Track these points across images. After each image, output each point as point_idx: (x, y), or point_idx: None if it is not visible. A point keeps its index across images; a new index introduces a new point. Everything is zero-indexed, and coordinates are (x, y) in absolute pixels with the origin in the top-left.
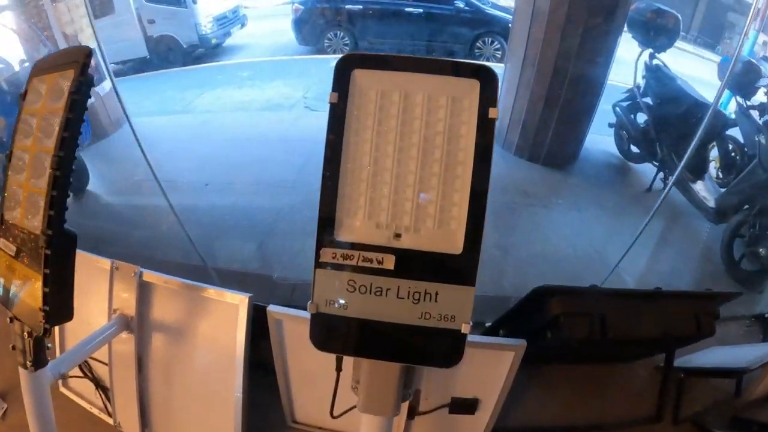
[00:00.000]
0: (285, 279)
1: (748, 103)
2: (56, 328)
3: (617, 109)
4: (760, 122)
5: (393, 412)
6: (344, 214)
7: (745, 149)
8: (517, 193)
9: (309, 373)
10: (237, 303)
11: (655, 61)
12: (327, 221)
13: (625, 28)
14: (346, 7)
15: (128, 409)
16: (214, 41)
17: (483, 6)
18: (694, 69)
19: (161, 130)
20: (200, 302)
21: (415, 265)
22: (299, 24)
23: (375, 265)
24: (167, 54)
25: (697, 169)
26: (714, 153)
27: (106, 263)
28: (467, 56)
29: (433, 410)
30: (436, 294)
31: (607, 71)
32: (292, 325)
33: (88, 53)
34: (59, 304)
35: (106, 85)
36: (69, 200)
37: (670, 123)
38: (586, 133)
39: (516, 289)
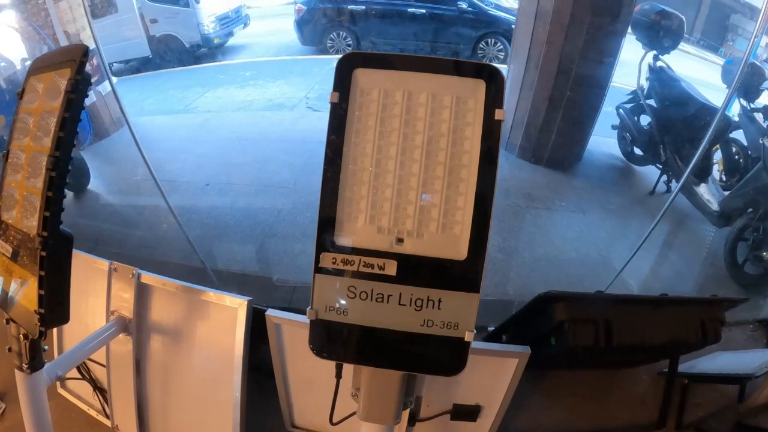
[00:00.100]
0: (285, 281)
1: (752, 105)
2: (54, 330)
3: (621, 111)
4: (764, 125)
5: (393, 420)
6: (345, 218)
7: (749, 152)
8: (520, 196)
9: (308, 377)
10: (236, 306)
11: (658, 63)
12: (327, 225)
13: (629, 30)
14: (349, 7)
15: (126, 412)
16: (216, 41)
17: (486, 7)
18: (697, 71)
19: (163, 129)
20: (199, 305)
21: (418, 271)
22: (302, 24)
23: (376, 270)
24: (169, 53)
25: (701, 172)
26: (717, 155)
27: (104, 264)
28: (470, 57)
29: (435, 417)
30: (439, 301)
31: (611, 73)
32: (291, 330)
33: (85, 52)
34: (55, 307)
35: (107, 85)
36: (69, 199)
37: (673, 125)
38: (590, 135)
39: (519, 294)
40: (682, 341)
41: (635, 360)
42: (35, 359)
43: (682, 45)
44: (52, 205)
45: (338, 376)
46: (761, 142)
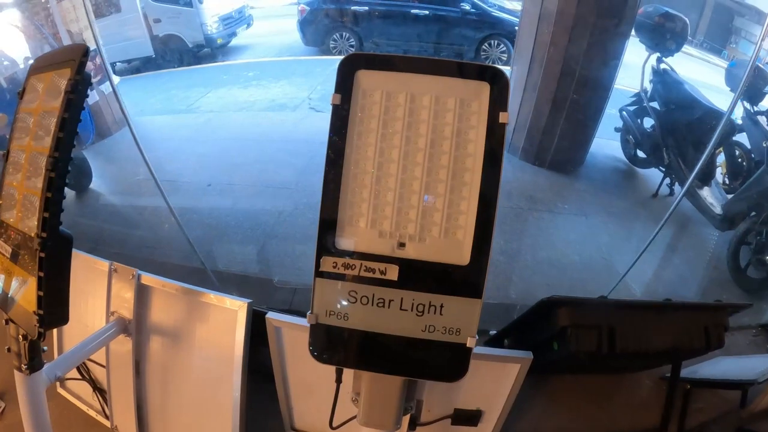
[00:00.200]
0: (286, 283)
1: (756, 108)
2: (54, 330)
3: (624, 113)
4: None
5: (394, 425)
6: (346, 222)
7: (752, 155)
8: (522, 198)
9: (308, 381)
10: (236, 308)
11: (662, 66)
12: (328, 228)
13: (633, 32)
14: (352, 8)
15: (125, 412)
16: (219, 41)
17: (489, 8)
18: (701, 74)
19: (165, 129)
20: (199, 307)
21: (420, 276)
22: (305, 25)
23: (378, 275)
24: (172, 53)
25: (704, 175)
26: (720, 158)
27: (104, 265)
28: (473, 59)
29: (436, 421)
30: (441, 306)
31: (615, 75)
32: (291, 333)
33: (85, 52)
34: (54, 308)
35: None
36: (71, 199)
37: (677, 128)
38: (593, 138)
39: (521, 297)
40: (686, 347)
41: (638, 365)
42: (34, 360)
43: (686, 47)
44: (51, 205)
45: (338, 380)
46: (765, 145)
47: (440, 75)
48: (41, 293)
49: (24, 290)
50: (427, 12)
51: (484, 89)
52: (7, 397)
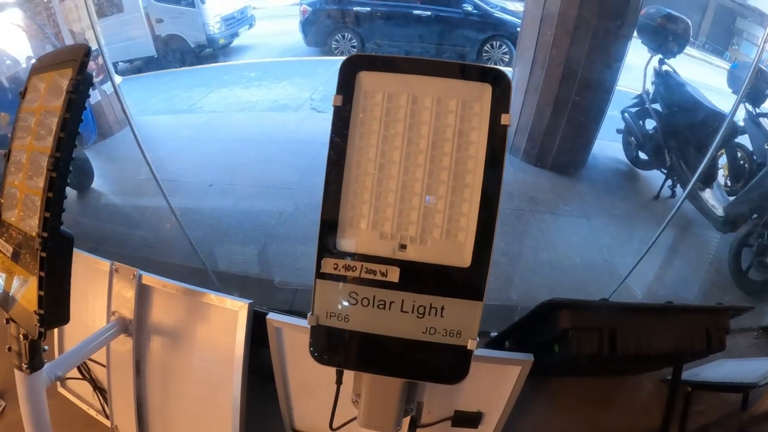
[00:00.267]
0: (287, 284)
1: (758, 110)
2: (55, 329)
3: (626, 115)
4: None
5: (394, 427)
6: (347, 223)
7: (754, 157)
8: (524, 200)
9: (309, 381)
10: (237, 309)
11: (664, 67)
12: (329, 230)
13: (635, 34)
14: (354, 9)
15: (126, 412)
16: (221, 41)
17: (491, 9)
18: (703, 75)
19: (166, 129)
20: (200, 307)
21: (421, 278)
22: (307, 25)
23: (379, 277)
24: (175, 53)
25: (706, 177)
26: (722, 160)
27: (105, 265)
28: (475, 60)
29: (436, 423)
30: (442, 308)
31: (617, 76)
32: (291, 334)
33: (87, 52)
34: (55, 308)
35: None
36: (72, 198)
37: (679, 130)
38: (595, 139)
39: (522, 299)
40: (687, 350)
41: (639, 368)
42: (35, 359)
43: (688, 49)
44: (52, 205)
45: (339, 382)
46: (767, 147)
47: (442, 76)
48: (42, 293)
49: (25, 290)
50: (429, 13)
51: (486, 91)
52: (8, 396)
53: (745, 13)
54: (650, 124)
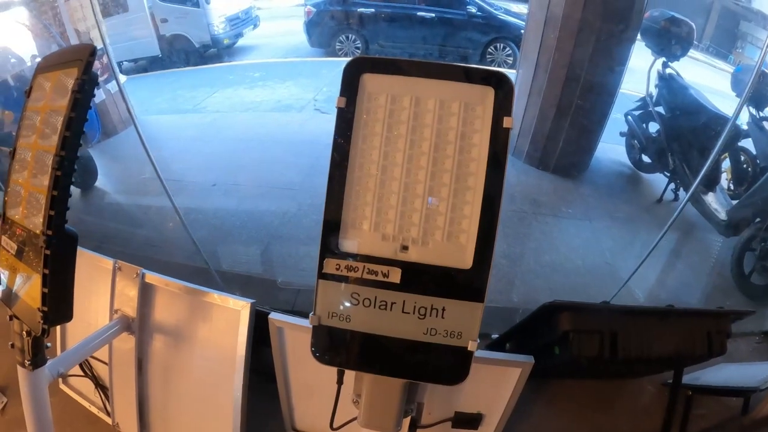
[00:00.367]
0: (289, 284)
1: (762, 114)
2: (57, 327)
3: (629, 118)
4: None
5: (394, 427)
6: (349, 224)
7: (758, 161)
8: (526, 202)
9: (310, 381)
10: (239, 308)
11: (668, 70)
12: (331, 230)
13: (639, 36)
14: (358, 10)
15: (127, 410)
16: (226, 41)
17: (495, 12)
18: (706, 78)
19: (170, 128)
20: (202, 306)
21: (422, 279)
22: (311, 26)
23: (380, 278)
24: (179, 53)
25: (709, 181)
26: (726, 164)
27: (108, 263)
28: (479, 62)
29: (436, 424)
30: (443, 310)
31: (620, 79)
32: (293, 334)
33: (92, 51)
34: (58, 305)
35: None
36: (76, 196)
37: (682, 133)
38: (598, 142)
39: (524, 301)
40: (688, 353)
41: (640, 371)
42: (38, 356)
43: (692, 52)
44: (57, 204)
45: (340, 382)
46: None
47: (445, 79)
48: (46, 290)
49: (28, 287)
50: (433, 15)
51: (488, 94)
52: (9, 392)
53: (749, 16)
54: (653, 127)
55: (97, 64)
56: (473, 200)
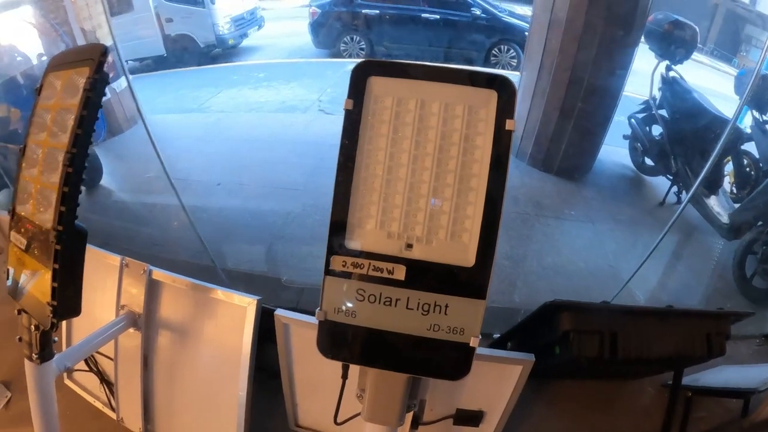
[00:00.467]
0: (293, 282)
1: (765, 117)
2: (63, 321)
3: (632, 120)
4: None
5: (397, 422)
6: (356, 223)
7: (761, 164)
8: (529, 204)
9: (314, 378)
10: (245, 305)
11: (671, 73)
12: (338, 229)
13: (642, 40)
14: (363, 11)
15: (132, 405)
16: (231, 42)
17: (500, 14)
18: (710, 81)
19: (175, 127)
20: (208, 303)
21: (426, 276)
22: (316, 27)
23: (385, 274)
24: (184, 53)
25: (712, 184)
26: (729, 167)
27: (115, 260)
28: (483, 64)
29: (438, 421)
30: (446, 306)
31: (623, 82)
32: (299, 330)
33: (104, 51)
34: (67, 300)
35: (122, 82)
36: (80, 194)
37: (685, 136)
38: (601, 145)
39: (525, 302)
40: (688, 354)
41: (640, 371)
42: (45, 350)
43: (696, 55)
44: (68, 200)
45: (344, 376)
46: None
47: (450, 83)
48: (56, 285)
49: (37, 281)
50: (437, 17)
51: (491, 97)
52: (13, 387)
53: (754, 19)
54: (657, 130)
55: None
56: (476, 200)
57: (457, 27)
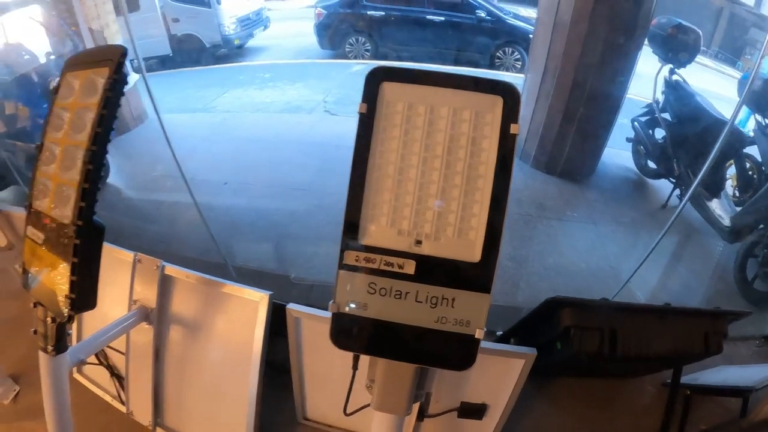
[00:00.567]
0: (302, 279)
1: (767, 121)
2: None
3: (635, 123)
4: None
5: (405, 411)
6: (368, 220)
7: (763, 168)
8: (532, 205)
9: (323, 371)
10: (257, 300)
11: (674, 77)
12: (352, 226)
13: (646, 43)
14: (369, 13)
15: (142, 399)
16: (236, 42)
17: (504, 16)
18: (714, 85)
19: (181, 127)
20: (220, 298)
21: (435, 271)
22: (321, 28)
23: (396, 269)
24: (190, 53)
25: (714, 187)
26: (731, 171)
27: (128, 255)
28: (487, 66)
29: (443, 413)
30: (453, 300)
31: (627, 85)
32: (310, 324)
33: (123, 53)
34: (85, 293)
35: (129, 80)
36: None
37: (687, 140)
38: (604, 147)
39: (528, 302)
40: (685, 352)
41: (639, 369)
42: (60, 342)
43: (700, 58)
44: (87, 196)
45: (355, 367)
46: None
47: (458, 89)
48: (74, 278)
49: (54, 275)
50: (442, 18)
51: (497, 102)
52: (21, 381)
53: (758, 22)
54: (660, 133)
55: None
56: (482, 200)
57: (462, 29)
